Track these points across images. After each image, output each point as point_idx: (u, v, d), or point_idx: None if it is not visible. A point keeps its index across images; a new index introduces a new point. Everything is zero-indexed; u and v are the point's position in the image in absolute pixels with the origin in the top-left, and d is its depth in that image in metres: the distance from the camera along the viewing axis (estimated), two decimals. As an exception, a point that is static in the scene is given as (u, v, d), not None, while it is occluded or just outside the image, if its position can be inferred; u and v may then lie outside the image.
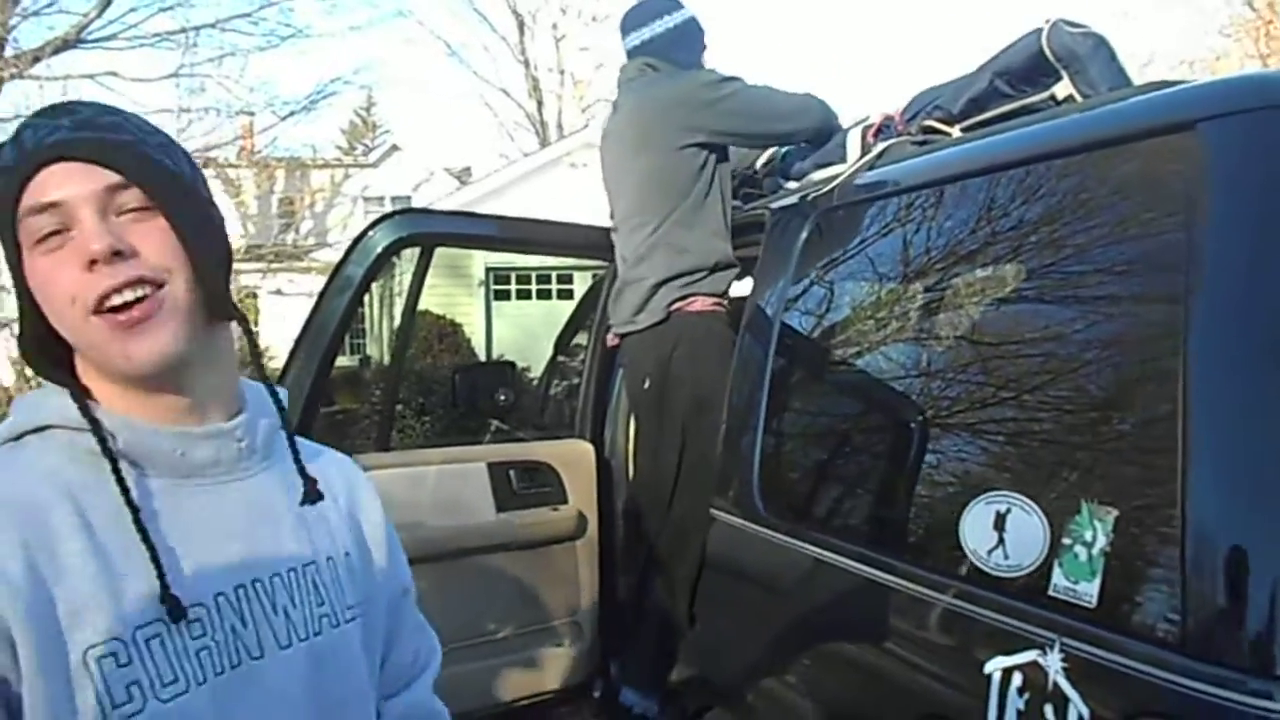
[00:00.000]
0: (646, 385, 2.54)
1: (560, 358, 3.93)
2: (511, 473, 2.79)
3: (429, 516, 2.62)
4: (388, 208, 18.86)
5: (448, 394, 6.27)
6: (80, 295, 0.78)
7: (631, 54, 2.67)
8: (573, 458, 2.91)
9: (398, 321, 10.67)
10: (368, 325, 12.86)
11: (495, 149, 26.08)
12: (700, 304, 2.47)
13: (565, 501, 2.84)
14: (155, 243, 0.81)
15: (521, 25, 24.33)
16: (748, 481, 1.94)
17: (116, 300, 0.78)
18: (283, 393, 0.98)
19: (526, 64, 24.51)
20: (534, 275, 13.25)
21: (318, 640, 0.89)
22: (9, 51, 12.28)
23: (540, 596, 2.81)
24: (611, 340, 2.76)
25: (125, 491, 0.80)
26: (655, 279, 2.50)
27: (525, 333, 11.04)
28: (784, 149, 2.63)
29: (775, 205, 2.29)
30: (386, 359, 10.84)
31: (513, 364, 3.68)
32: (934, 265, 1.75)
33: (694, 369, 2.42)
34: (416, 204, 17.82)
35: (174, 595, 0.78)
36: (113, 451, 0.80)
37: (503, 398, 3.36)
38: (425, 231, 2.62)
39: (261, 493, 0.89)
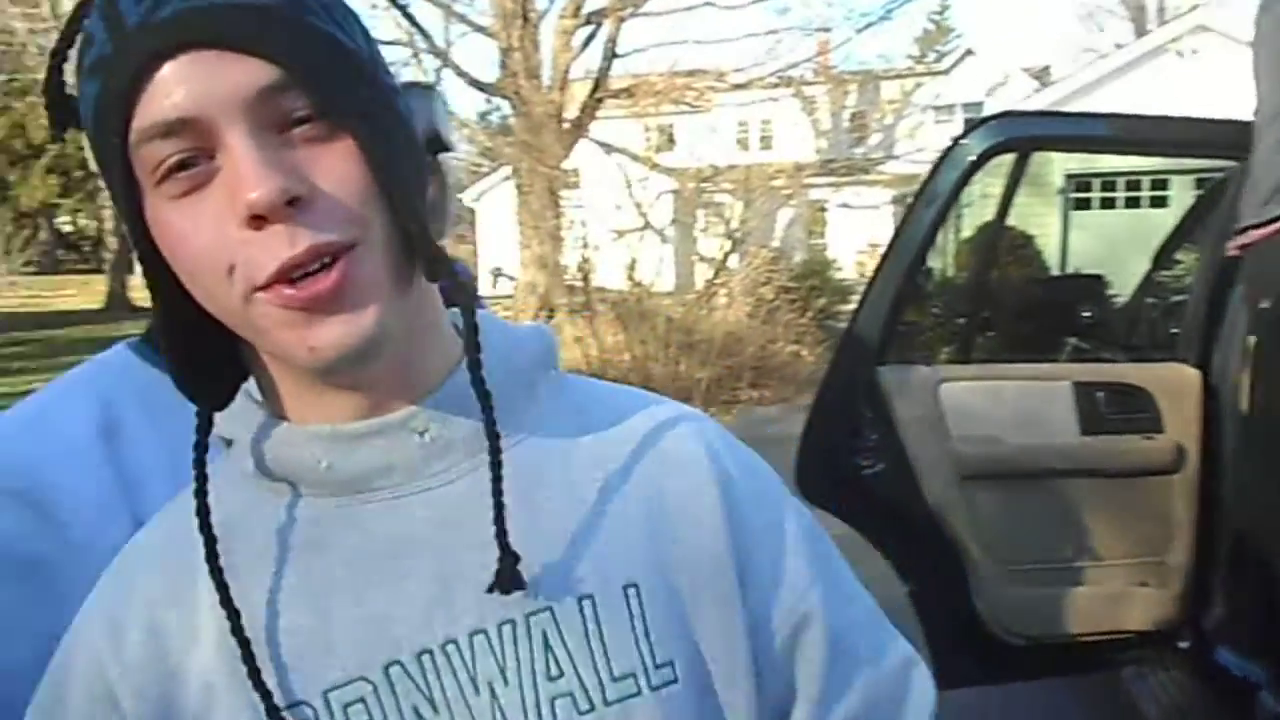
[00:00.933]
0: (1265, 305, 2.17)
1: (1157, 272, 3.54)
2: (1099, 394, 2.61)
3: (1007, 432, 2.57)
4: (958, 116, 18.38)
5: (1019, 308, 6.05)
6: (243, 265, 0.52)
7: None
8: (1173, 383, 2.63)
9: (964, 233, 10.47)
10: (990, 238, 12.73)
11: (1080, 44, 23.90)
12: None
13: (1160, 431, 2.59)
14: (343, 177, 0.52)
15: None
16: None
17: (296, 273, 0.51)
18: (519, 331, 0.67)
19: (1123, -60, 21.84)
20: (1121, 181, 11.96)
21: None
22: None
23: (1123, 530, 2.62)
24: (1232, 250, 2.39)
25: (211, 545, 0.58)
26: None
27: (1107, 245, 10.07)
28: None
29: None
30: (950, 271, 10.68)
31: (1100, 278, 3.39)
32: None
33: None
34: (989, 110, 17.04)
35: (274, 704, 0.55)
36: (206, 491, 0.59)
37: (1087, 314, 3.15)
38: (1023, 136, 2.49)
39: (467, 501, 0.59)
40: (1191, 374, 2.63)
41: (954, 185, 2.40)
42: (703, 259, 10.95)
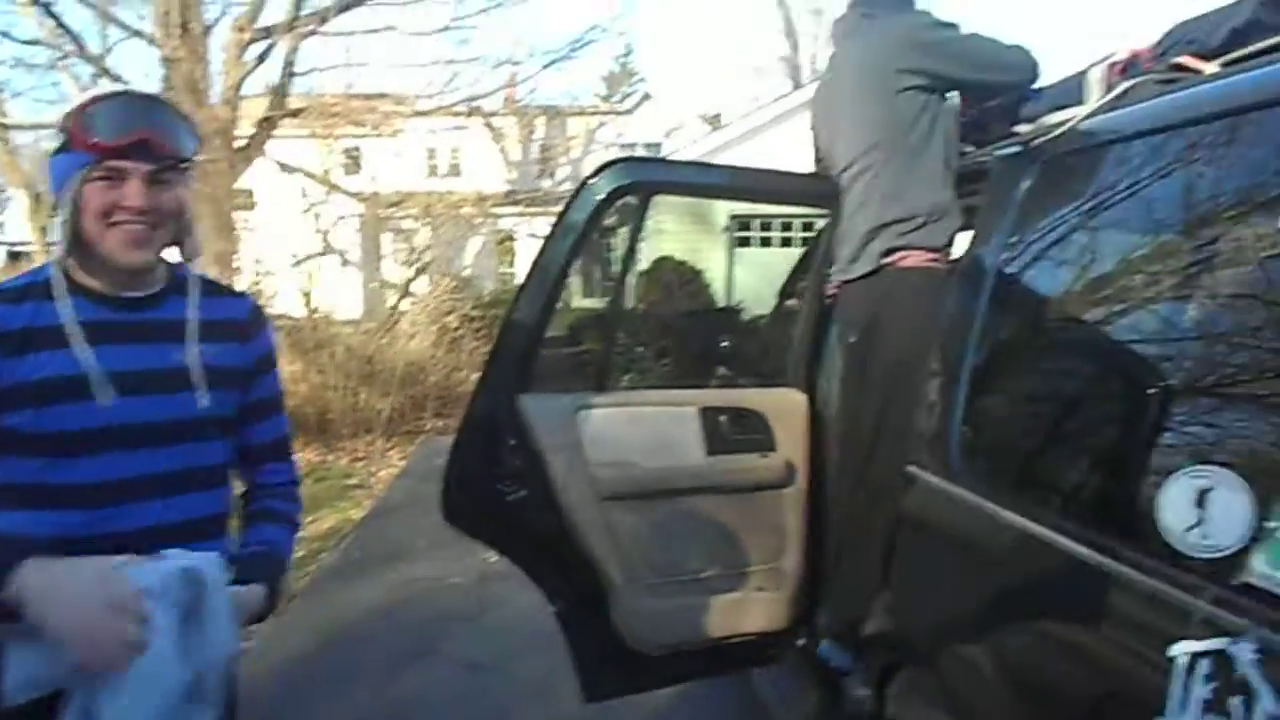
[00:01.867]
0: (853, 340, 2.51)
1: (785, 305, 3.92)
2: (722, 418, 2.84)
3: (641, 456, 2.73)
4: (640, 154, 19.24)
5: (680, 338, 6.44)
6: None
7: (851, 4, 2.64)
8: (784, 406, 2.92)
9: (643, 266, 10.96)
10: (621, 270, 13.25)
11: (748, 94, 26.06)
12: (915, 259, 2.40)
13: (774, 449, 2.86)
14: None
15: (780, -34, 23.95)
16: (947, 440, 1.88)
17: None
18: None
19: (782, 4, 24.18)
20: (777, 223, 13.13)
21: None
22: (306, 10, 13.54)
23: (745, 541, 2.85)
24: (830, 290, 2.73)
25: None
26: (869, 226, 2.46)
27: (766, 280, 10.96)
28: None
29: (1000, 151, 2.16)
30: (630, 303, 11.20)
31: (736, 310, 3.70)
32: (1165, 217, 1.61)
33: (900, 327, 2.36)
34: (667, 150, 18.12)
35: None
36: None
37: (725, 344, 3.42)
38: (644, 180, 2.67)
39: None
40: (799, 398, 2.94)
41: (586, 221, 2.53)
42: (384, 285, 10.70)
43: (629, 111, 22.51)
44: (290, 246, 10.63)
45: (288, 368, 8.99)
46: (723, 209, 12.71)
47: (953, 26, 2.43)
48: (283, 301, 10.11)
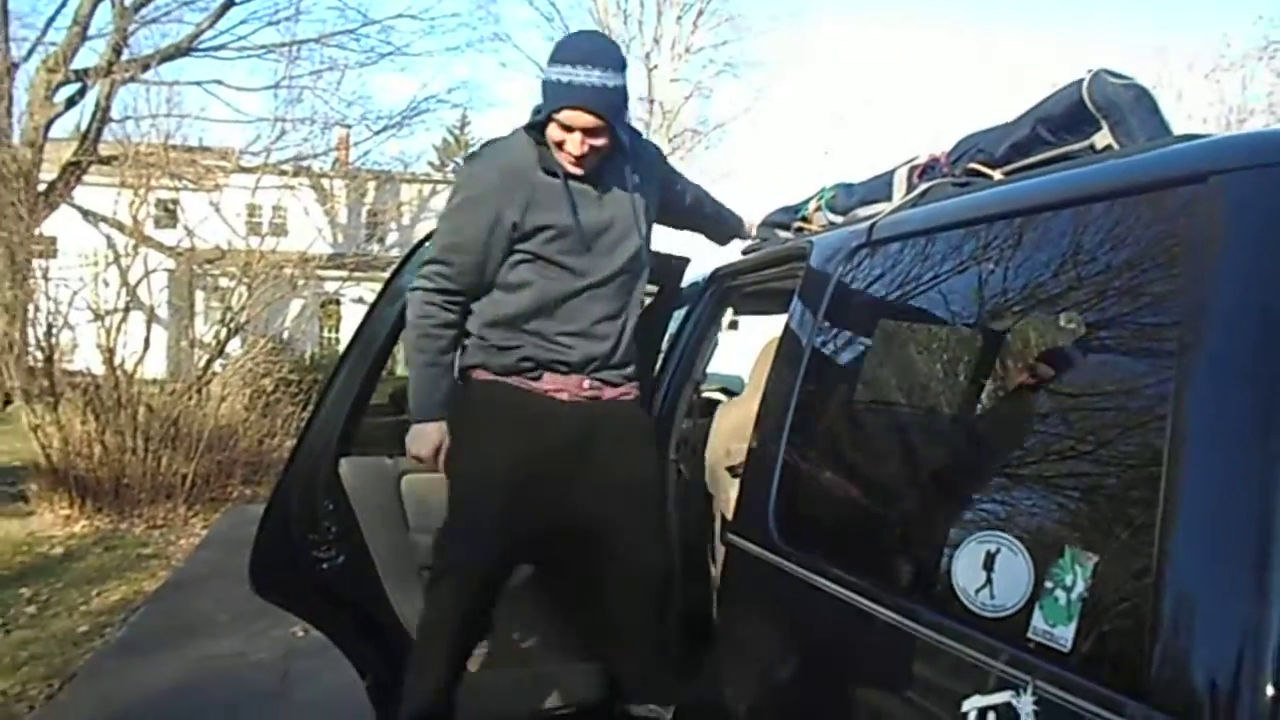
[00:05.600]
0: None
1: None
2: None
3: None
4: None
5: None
6: None
7: None
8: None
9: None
10: None
11: (580, 172, 26.68)
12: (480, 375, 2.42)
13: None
14: None
15: (614, 53, 24.79)
16: (764, 509, 1.95)
17: None
18: None
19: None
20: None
21: None
22: (125, 55, 12.98)
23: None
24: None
25: None
26: None
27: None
28: (831, 188, 2.65)
29: (817, 238, 2.31)
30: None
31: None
32: (957, 305, 1.76)
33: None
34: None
35: None
36: None
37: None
38: None
39: None
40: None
41: (416, 286, 2.51)
42: (193, 345, 10.16)
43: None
44: (94, 299, 9.93)
45: (80, 427, 8.35)
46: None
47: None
48: (82, 356, 9.43)
